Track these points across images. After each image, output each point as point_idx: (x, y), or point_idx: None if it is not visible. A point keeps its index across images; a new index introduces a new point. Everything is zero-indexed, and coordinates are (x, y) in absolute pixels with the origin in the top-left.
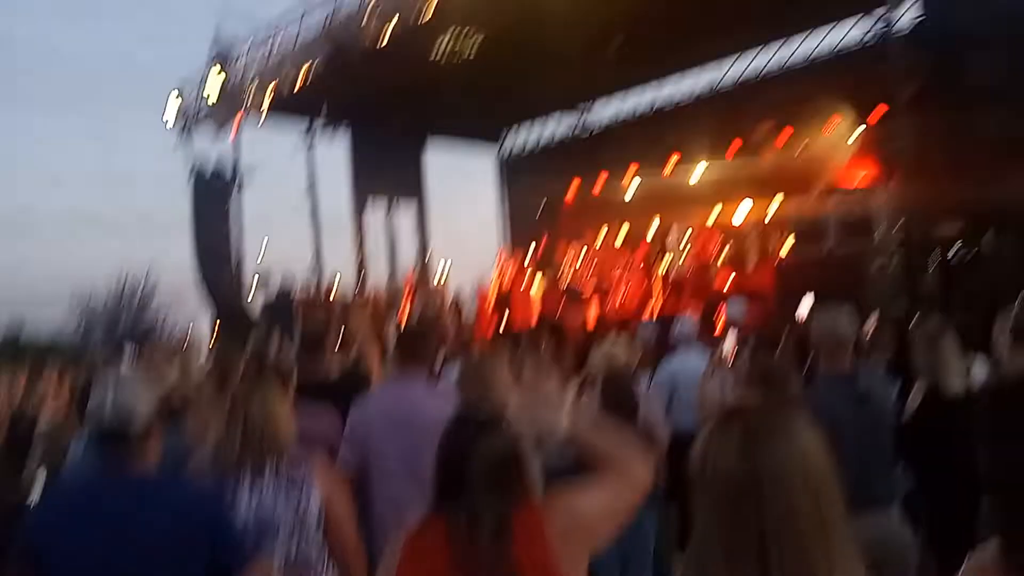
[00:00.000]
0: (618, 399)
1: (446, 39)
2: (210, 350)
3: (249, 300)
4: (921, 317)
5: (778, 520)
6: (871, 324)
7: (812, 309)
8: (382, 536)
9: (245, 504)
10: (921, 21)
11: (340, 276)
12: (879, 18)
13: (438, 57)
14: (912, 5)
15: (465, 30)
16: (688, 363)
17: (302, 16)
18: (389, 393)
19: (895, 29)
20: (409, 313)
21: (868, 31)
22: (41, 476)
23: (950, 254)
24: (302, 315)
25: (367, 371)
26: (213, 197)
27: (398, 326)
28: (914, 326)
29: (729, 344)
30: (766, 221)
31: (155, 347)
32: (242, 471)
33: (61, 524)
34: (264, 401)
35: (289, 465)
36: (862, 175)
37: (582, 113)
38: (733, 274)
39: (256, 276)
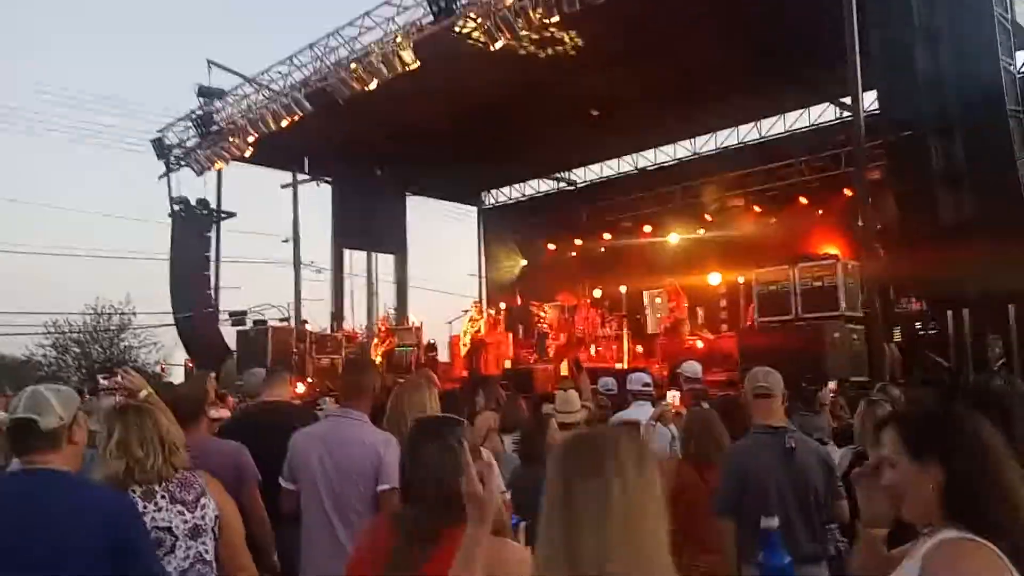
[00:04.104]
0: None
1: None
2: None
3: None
4: (874, 389)
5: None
6: (828, 390)
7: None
8: (305, 549)
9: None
10: (884, 108)
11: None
12: (846, 105)
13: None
14: (877, 95)
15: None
16: (637, 415)
17: (288, 68)
18: (329, 422)
19: (861, 115)
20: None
21: (837, 117)
22: None
23: (915, 328)
24: (274, 348)
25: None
26: (192, 229)
27: (344, 359)
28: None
29: (672, 399)
30: (737, 286)
31: (126, 372)
32: (132, 487)
33: None
34: (153, 424)
35: (182, 482)
36: (828, 250)
37: (561, 177)
38: (700, 337)
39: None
